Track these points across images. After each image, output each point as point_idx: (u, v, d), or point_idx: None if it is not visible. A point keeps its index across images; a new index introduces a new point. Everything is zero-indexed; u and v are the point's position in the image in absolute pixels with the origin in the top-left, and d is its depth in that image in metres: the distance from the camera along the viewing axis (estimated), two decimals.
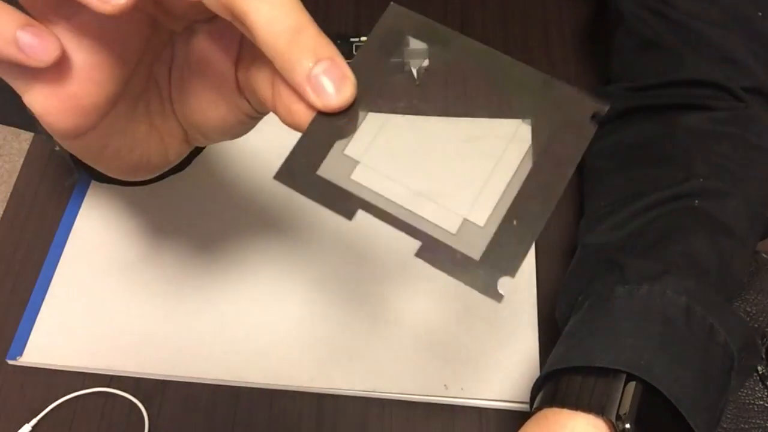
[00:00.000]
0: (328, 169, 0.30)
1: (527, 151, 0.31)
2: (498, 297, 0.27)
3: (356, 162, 0.30)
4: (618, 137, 0.55)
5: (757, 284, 0.52)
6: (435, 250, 0.28)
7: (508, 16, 0.73)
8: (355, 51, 0.69)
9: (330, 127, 0.30)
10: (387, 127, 0.31)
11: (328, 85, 0.29)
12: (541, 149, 0.30)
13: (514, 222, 0.28)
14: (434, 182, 0.31)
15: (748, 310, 0.50)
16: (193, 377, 0.52)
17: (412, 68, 0.69)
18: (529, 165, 0.30)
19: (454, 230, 0.29)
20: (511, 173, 0.30)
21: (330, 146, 0.30)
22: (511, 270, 0.27)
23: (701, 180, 0.48)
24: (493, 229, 0.28)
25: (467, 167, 0.31)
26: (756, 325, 0.50)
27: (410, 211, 0.29)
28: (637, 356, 0.39)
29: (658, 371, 0.38)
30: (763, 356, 0.48)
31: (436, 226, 0.29)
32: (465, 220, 0.29)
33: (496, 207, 0.29)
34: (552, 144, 0.30)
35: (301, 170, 0.29)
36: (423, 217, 0.29)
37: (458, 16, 0.73)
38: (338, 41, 0.70)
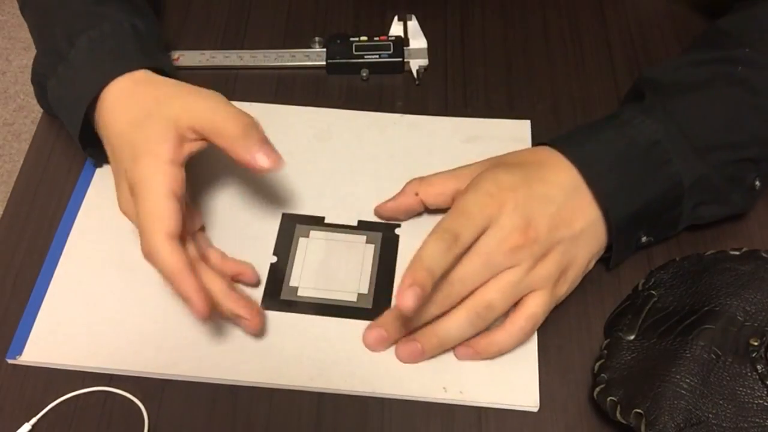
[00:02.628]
0: (285, 294, 0.56)
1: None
2: None
3: (297, 287, 0.56)
4: None
5: (756, 283, 0.52)
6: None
7: (507, 16, 0.73)
8: (355, 50, 0.69)
9: (277, 272, 0.57)
10: (305, 263, 0.58)
11: (263, 159, 0.52)
12: None
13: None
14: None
15: (748, 309, 0.50)
16: (193, 376, 0.53)
17: (412, 68, 0.70)
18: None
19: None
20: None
21: (281, 282, 0.57)
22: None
23: (747, 50, 0.57)
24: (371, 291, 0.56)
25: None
26: (755, 324, 0.50)
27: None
28: (588, 156, 0.54)
29: (584, 159, 0.53)
30: (763, 355, 0.48)
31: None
32: (359, 293, 0.56)
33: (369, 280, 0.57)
34: None
35: (272, 298, 0.56)
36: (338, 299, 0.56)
37: (458, 16, 0.73)
38: (338, 41, 0.70)
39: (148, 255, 0.51)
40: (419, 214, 0.59)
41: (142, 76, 0.57)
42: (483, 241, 0.51)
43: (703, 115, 0.55)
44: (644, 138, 0.54)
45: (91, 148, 0.59)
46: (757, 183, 0.56)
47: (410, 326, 0.52)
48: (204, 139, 0.53)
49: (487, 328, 0.53)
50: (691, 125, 0.54)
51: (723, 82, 0.56)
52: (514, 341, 0.52)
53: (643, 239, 0.56)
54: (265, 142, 0.52)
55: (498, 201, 0.51)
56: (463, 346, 0.53)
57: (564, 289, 0.53)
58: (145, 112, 0.54)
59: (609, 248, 0.55)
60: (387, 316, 0.53)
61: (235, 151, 0.52)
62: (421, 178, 0.57)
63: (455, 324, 0.51)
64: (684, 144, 0.54)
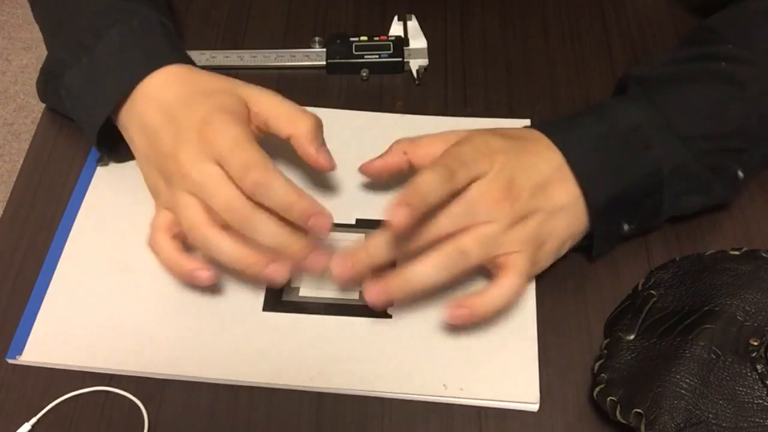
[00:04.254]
0: (285, 295, 0.56)
1: None
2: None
3: (298, 288, 0.56)
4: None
5: (756, 283, 0.52)
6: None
7: (507, 16, 0.73)
8: (355, 50, 0.69)
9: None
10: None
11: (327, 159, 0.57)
12: None
13: None
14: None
15: (748, 309, 0.50)
16: (193, 376, 0.53)
17: (412, 68, 0.70)
18: None
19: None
20: None
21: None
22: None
23: (730, 46, 0.58)
24: None
25: None
26: (755, 324, 0.50)
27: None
28: (571, 139, 0.55)
29: (566, 141, 0.54)
30: (763, 355, 0.48)
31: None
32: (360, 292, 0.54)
33: None
34: None
35: (274, 301, 0.56)
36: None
37: (458, 16, 0.73)
38: (338, 41, 0.70)
39: (263, 186, 0.50)
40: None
41: (187, 67, 0.58)
42: (467, 191, 0.51)
43: (686, 106, 0.56)
44: (625, 122, 0.54)
45: (103, 146, 0.59)
46: (740, 173, 0.57)
47: (376, 260, 0.51)
48: (262, 130, 0.56)
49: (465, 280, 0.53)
50: (675, 114, 0.55)
51: (707, 77, 0.57)
52: (509, 297, 0.52)
53: (625, 227, 0.56)
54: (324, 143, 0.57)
55: (489, 159, 0.52)
56: (456, 307, 0.51)
57: (542, 261, 0.54)
58: (211, 88, 0.56)
59: (590, 237, 0.55)
60: (354, 247, 0.52)
61: (305, 144, 0.55)
62: (409, 138, 0.57)
63: (426, 267, 0.50)
64: (665, 129, 0.54)
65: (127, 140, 0.58)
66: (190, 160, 0.52)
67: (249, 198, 0.51)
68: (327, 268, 0.52)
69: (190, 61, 0.60)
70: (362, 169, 0.58)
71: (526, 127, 0.58)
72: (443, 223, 0.51)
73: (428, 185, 0.49)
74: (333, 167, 0.56)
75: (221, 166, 0.51)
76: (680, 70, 0.58)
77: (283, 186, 0.50)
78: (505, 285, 0.51)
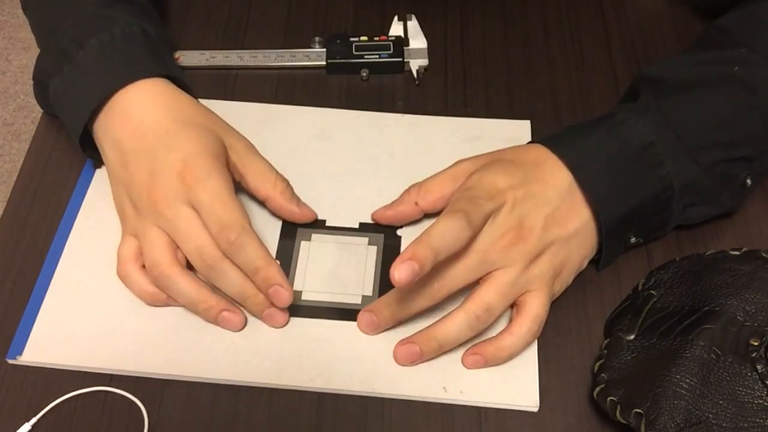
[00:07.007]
0: None
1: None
2: None
3: (301, 291, 0.56)
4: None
5: (756, 283, 0.52)
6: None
7: (507, 16, 0.73)
8: (355, 50, 0.69)
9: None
10: (307, 267, 0.58)
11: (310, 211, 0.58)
12: None
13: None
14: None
15: (748, 309, 0.50)
16: (193, 377, 0.53)
17: (412, 68, 0.70)
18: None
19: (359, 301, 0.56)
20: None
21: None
22: None
23: (743, 50, 0.57)
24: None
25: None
26: (755, 324, 0.50)
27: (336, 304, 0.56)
28: (580, 157, 0.54)
29: (577, 160, 0.54)
30: (763, 355, 0.48)
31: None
32: (363, 296, 0.56)
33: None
34: None
35: None
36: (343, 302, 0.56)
37: (458, 16, 0.73)
38: (338, 41, 0.70)
39: (236, 247, 0.51)
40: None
41: (167, 85, 0.57)
42: (479, 239, 0.51)
43: (697, 115, 0.56)
44: (638, 139, 0.54)
45: (91, 150, 0.59)
46: (749, 181, 0.57)
47: (399, 316, 0.53)
48: (236, 181, 0.56)
49: (484, 334, 0.53)
50: (685, 125, 0.55)
51: (720, 82, 0.57)
52: (523, 344, 0.52)
53: (632, 240, 0.56)
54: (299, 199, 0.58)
55: (497, 202, 0.52)
56: (471, 354, 0.52)
57: (558, 287, 0.54)
58: (192, 119, 0.56)
59: (599, 249, 0.55)
60: (378, 303, 0.53)
61: (285, 204, 0.57)
62: (419, 185, 0.57)
63: (454, 327, 0.51)
64: (676, 145, 0.54)
65: (100, 151, 0.58)
66: (165, 199, 0.52)
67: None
68: (284, 323, 0.54)
69: (173, 70, 0.59)
70: (374, 217, 0.59)
71: (531, 143, 0.57)
72: (461, 277, 0.51)
73: (442, 238, 0.48)
74: (315, 217, 0.58)
75: (194, 209, 0.52)
76: (693, 74, 0.58)
77: (255, 250, 0.52)
78: (519, 333, 0.52)
